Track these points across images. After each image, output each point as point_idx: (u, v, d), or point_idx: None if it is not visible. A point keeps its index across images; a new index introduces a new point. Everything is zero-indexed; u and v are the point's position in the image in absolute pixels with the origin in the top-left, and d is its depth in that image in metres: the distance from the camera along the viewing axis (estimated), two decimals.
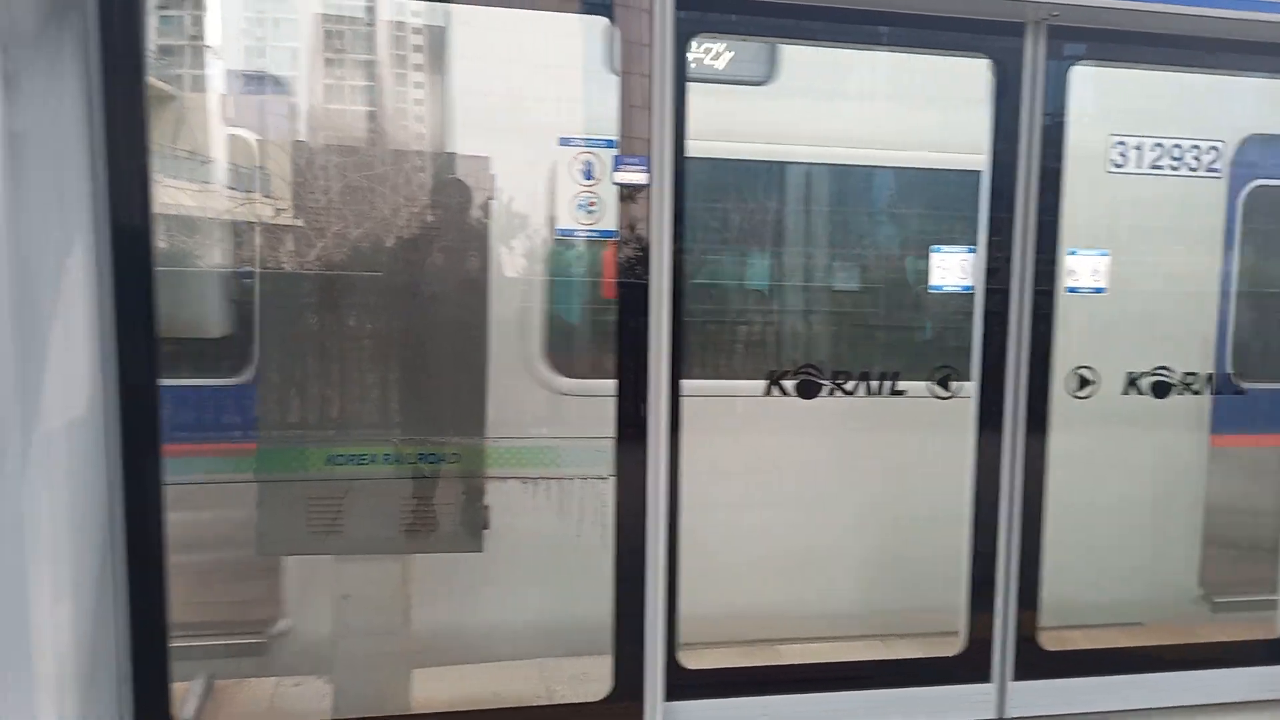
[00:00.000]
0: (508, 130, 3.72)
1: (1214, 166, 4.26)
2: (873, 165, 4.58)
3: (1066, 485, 3.74)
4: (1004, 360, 3.58)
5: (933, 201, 4.52)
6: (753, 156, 4.50)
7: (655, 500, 3.27)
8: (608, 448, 3.28)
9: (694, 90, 3.26)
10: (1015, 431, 3.59)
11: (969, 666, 3.65)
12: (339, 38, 4.15)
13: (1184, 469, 4.80)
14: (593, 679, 3.38)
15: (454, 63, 3.99)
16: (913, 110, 4.42)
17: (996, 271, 3.57)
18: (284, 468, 3.15)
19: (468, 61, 3.96)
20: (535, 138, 3.56)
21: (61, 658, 2.61)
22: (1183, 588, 4.82)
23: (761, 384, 3.76)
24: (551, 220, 3.68)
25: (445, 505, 3.30)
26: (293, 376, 3.19)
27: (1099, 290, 3.81)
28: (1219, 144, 4.24)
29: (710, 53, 4.30)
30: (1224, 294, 4.78)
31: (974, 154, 3.59)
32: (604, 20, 3.27)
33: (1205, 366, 4.55)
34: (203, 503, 3.60)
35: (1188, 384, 4.09)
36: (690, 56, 3.28)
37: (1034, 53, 3.49)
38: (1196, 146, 4.15)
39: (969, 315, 3.65)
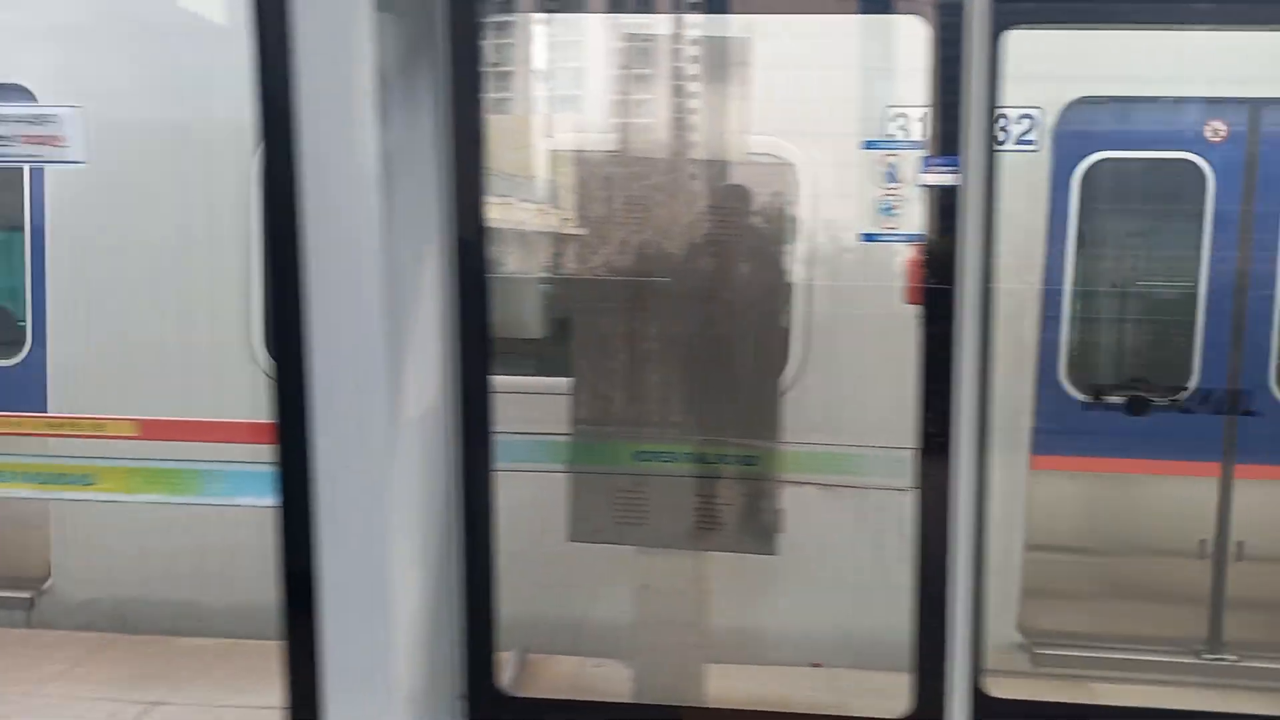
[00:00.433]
0: (813, 135, 3.73)
1: (1027, 138, 3.48)
2: None
3: None
4: None
5: None
6: None
7: (959, 516, 3.12)
8: (906, 458, 3.19)
9: None
10: None
11: None
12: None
13: None
14: (888, 694, 3.29)
15: (758, 72, 4.07)
16: None
17: None
18: (596, 461, 3.37)
19: (772, 71, 4.01)
20: (838, 142, 3.55)
21: (412, 615, 2.93)
22: None
23: None
24: (851, 224, 3.64)
25: (740, 506, 3.37)
26: (604, 375, 3.40)
27: None
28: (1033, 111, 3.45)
29: None
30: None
31: None
32: (912, 19, 3.20)
33: None
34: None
35: None
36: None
37: None
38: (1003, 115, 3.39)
39: None
